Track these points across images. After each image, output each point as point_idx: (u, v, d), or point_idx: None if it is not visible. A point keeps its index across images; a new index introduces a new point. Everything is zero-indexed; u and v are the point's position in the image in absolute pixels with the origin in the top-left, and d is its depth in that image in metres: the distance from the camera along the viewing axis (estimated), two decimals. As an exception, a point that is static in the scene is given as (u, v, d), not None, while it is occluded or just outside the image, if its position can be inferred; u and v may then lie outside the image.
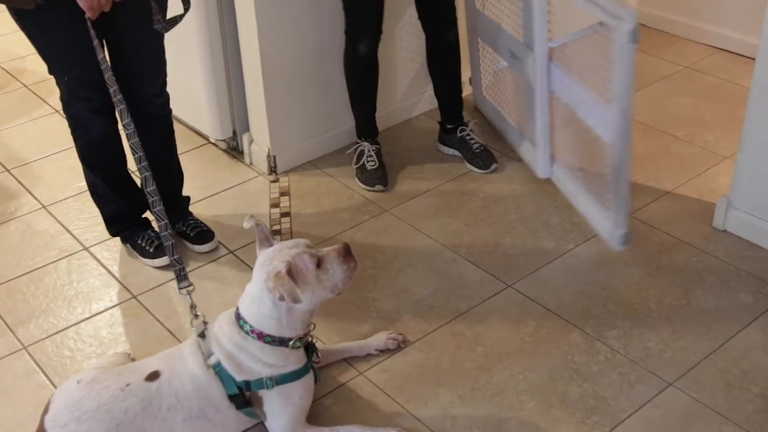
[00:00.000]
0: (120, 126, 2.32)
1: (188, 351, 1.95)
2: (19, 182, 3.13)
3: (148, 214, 2.72)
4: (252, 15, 2.81)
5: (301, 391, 1.96)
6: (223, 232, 2.78)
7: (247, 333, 1.92)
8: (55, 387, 2.17)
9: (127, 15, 2.27)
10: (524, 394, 2.13)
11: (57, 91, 2.40)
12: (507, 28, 2.89)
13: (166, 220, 2.11)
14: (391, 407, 2.11)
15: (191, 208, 2.81)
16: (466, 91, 3.50)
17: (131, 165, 2.48)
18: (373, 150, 3.04)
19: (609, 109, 2.35)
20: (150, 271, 2.64)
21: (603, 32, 2.29)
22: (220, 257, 2.69)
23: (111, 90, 2.14)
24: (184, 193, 2.78)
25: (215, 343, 1.94)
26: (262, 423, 1.99)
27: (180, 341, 2.29)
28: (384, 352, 2.28)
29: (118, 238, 2.74)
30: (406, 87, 3.35)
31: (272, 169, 3.10)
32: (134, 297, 2.54)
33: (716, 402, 2.08)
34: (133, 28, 2.32)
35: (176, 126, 2.69)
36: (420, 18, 2.95)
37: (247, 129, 3.17)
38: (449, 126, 3.14)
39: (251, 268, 2.01)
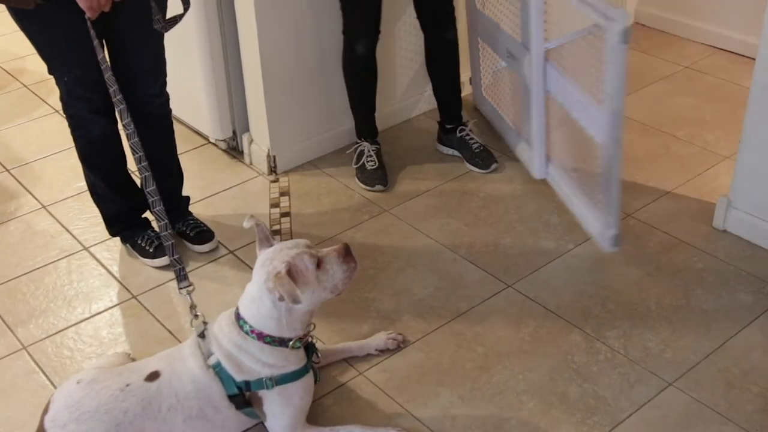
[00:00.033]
0: (120, 126, 2.32)
1: (188, 351, 1.95)
2: (19, 182, 3.13)
3: (148, 214, 2.72)
4: (252, 15, 2.81)
5: (301, 391, 1.96)
6: (223, 232, 2.78)
7: (246, 333, 1.92)
8: (55, 387, 2.17)
9: (127, 15, 2.27)
10: (524, 394, 2.13)
11: (57, 91, 2.40)
12: (505, 27, 2.89)
13: (166, 220, 2.11)
14: (391, 407, 2.11)
15: (191, 208, 2.81)
16: (466, 90, 3.50)
17: (131, 165, 2.48)
18: (373, 150, 3.04)
19: (601, 110, 2.35)
20: (150, 271, 2.64)
21: (597, 33, 2.29)
22: (220, 257, 2.69)
23: (111, 90, 2.14)
24: (184, 193, 2.78)
25: (215, 343, 1.94)
26: (262, 423, 1.99)
27: (180, 341, 2.29)
28: (384, 352, 2.28)
29: (118, 238, 2.74)
30: (405, 87, 3.35)
31: (272, 169, 3.10)
32: (134, 297, 2.54)
33: (716, 402, 2.08)
34: (133, 28, 2.32)
35: (176, 126, 2.69)
36: (418, 17, 2.95)
37: (247, 129, 3.17)
38: (448, 126, 3.14)
39: (251, 268, 2.01)
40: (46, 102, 3.70)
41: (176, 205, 2.73)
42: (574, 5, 2.34)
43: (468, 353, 2.27)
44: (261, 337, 1.91)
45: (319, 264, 1.89)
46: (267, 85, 2.94)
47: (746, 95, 2.52)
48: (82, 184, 2.72)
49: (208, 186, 3.06)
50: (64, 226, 2.87)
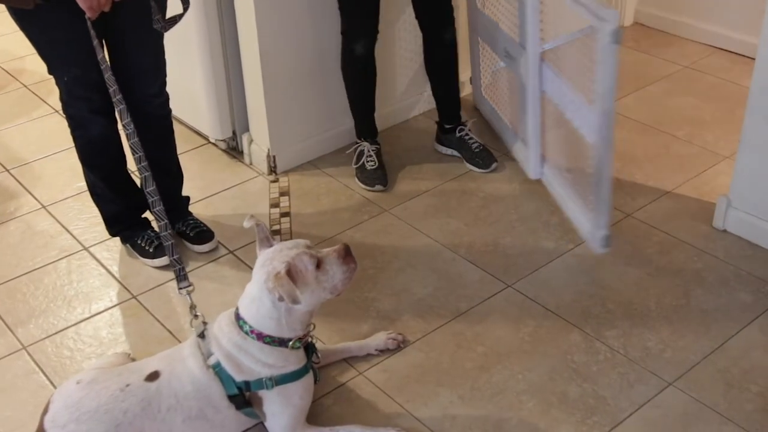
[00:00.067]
0: (120, 126, 2.32)
1: (188, 351, 1.95)
2: (19, 182, 3.13)
3: (147, 214, 2.72)
4: (252, 15, 2.81)
5: (300, 391, 1.96)
6: (223, 232, 2.78)
7: (246, 333, 1.92)
8: (55, 387, 2.17)
9: (126, 15, 2.27)
10: (524, 394, 2.13)
11: (56, 91, 2.40)
12: (504, 27, 2.89)
13: (166, 220, 2.11)
14: (390, 407, 2.11)
15: (191, 208, 2.81)
16: (467, 90, 3.51)
17: (131, 165, 2.48)
18: (372, 150, 3.04)
19: (593, 110, 2.35)
20: (150, 271, 2.64)
21: (591, 34, 2.30)
22: (219, 257, 2.69)
23: (111, 90, 2.14)
24: (184, 193, 2.78)
25: (215, 343, 1.94)
26: (262, 423, 1.99)
27: (180, 341, 2.29)
28: (384, 352, 2.28)
29: (117, 238, 2.74)
30: (405, 87, 3.35)
31: (272, 169, 3.10)
32: (134, 297, 2.54)
33: (716, 401, 2.08)
34: (133, 28, 2.32)
35: (176, 126, 2.69)
36: (417, 18, 2.94)
37: (246, 129, 3.17)
38: (447, 126, 3.13)
39: (251, 268, 2.01)
40: (45, 102, 3.70)
41: (176, 205, 2.73)
42: (568, 5, 2.34)
43: (468, 353, 2.27)
44: (261, 337, 1.91)
45: (318, 264, 1.89)
46: (267, 85, 2.94)
47: (746, 95, 2.52)
48: (82, 184, 2.72)
49: (207, 186, 3.06)
50: (63, 226, 2.87)
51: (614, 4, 4.08)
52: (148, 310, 2.48)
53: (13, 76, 3.96)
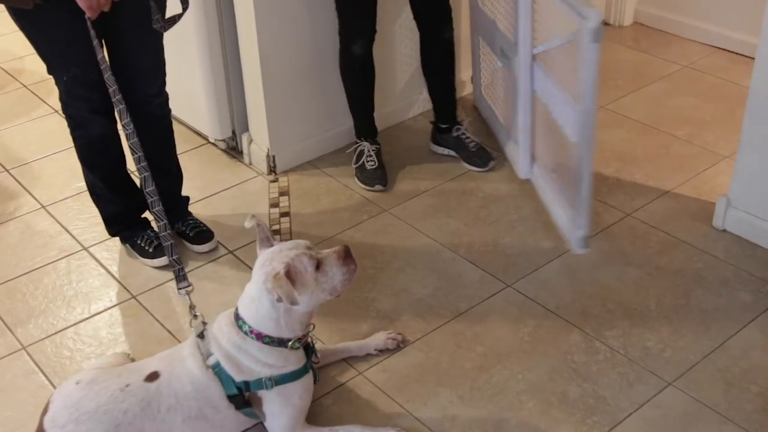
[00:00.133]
0: (119, 126, 2.31)
1: (187, 351, 1.95)
2: (19, 182, 3.13)
3: (147, 214, 2.72)
4: (251, 15, 2.81)
5: (300, 391, 1.96)
6: (223, 232, 2.78)
7: (246, 333, 1.92)
8: (55, 387, 2.17)
9: (126, 15, 2.27)
10: (524, 394, 2.13)
11: (56, 91, 2.40)
12: (501, 26, 2.89)
13: (166, 220, 2.11)
14: (390, 407, 2.11)
15: (190, 208, 2.81)
16: (468, 89, 3.51)
17: (130, 165, 2.48)
18: (372, 150, 3.04)
19: (575, 109, 2.35)
20: (149, 271, 2.64)
21: (578, 34, 2.30)
22: (219, 257, 2.69)
23: (110, 90, 2.14)
24: (184, 193, 2.78)
25: (214, 343, 1.93)
26: (262, 423, 1.99)
27: (179, 341, 2.29)
28: (383, 351, 2.27)
29: (117, 238, 2.74)
30: (404, 87, 3.35)
31: (271, 169, 3.10)
32: (133, 297, 2.54)
33: (716, 401, 2.08)
34: (133, 28, 2.32)
35: (175, 126, 2.69)
36: (415, 18, 2.93)
37: (246, 129, 3.17)
38: (443, 126, 3.13)
39: (250, 268, 2.01)
40: (45, 102, 3.70)
41: (175, 205, 2.73)
42: (556, 4, 2.34)
43: (467, 353, 2.27)
44: (260, 337, 1.91)
45: (318, 266, 1.89)
46: (266, 85, 2.94)
47: (746, 95, 2.52)
48: (82, 184, 2.72)
49: (207, 186, 3.05)
50: (63, 226, 2.87)
51: (614, 4, 4.08)
52: (147, 310, 2.48)
53: (12, 76, 3.96)
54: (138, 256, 2.67)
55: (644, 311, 2.38)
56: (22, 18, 2.20)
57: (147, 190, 2.13)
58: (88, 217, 2.88)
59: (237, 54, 3.01)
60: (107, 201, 2.63)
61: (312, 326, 2.01)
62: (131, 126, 2.13)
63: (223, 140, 3.24)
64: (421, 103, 3.42)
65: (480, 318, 2.38)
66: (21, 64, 4.04)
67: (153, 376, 1.91)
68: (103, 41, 2.29)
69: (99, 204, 2.65)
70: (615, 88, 3.55)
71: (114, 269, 2.66)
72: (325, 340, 2.31)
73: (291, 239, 2.68)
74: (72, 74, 2.31)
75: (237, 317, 1.94)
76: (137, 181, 2.64)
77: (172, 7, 2.31)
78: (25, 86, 3.86)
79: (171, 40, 2.44)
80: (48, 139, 3.39)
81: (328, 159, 3.17)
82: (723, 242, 2.64)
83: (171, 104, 2.58)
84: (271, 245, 1.95)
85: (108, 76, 2.14)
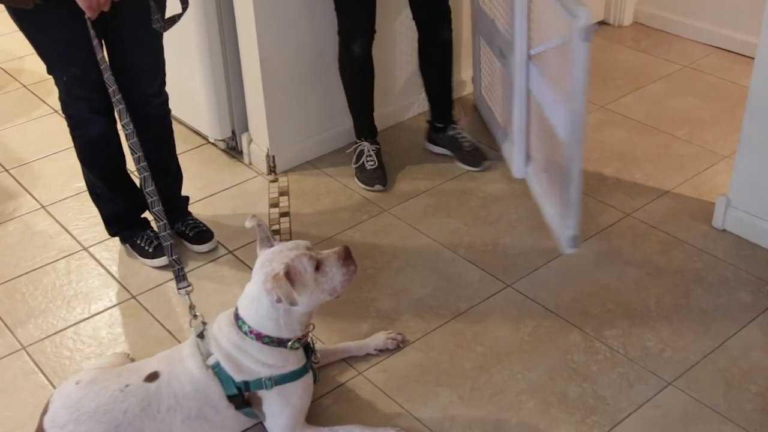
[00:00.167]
0: (119, 126, 2.31)
1: (187, 351, 1.95)
2: (18, 182, 3.13)
3: (147, 214, 2.72)
4: (251, 15, 2.81)
5: (300, 391, 1.96)
6: (222, 232, 2.78)
7: (245, 333, 1.92)
8: (54, 387, 2.17)
9: (126, 15, 2.27)
10: (523, 394, 2.13)
11: (56, 91, 2.40)
12: (500, 26, 2.89)
13: (165, 220, 2.11)
14: (390, 407, 2.11)
15: (190, 208, 2.81)
16: (468, 89, 3.51)
17: (130, 165, 2.48)
18: (372, 150, 3.04)
19: (567, 108, 2.35)
20: (149, 271, 2.64)
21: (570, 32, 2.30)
22: (219, 257, 2.69)
23: (110, 90, 2.14)
24: (183, 193, 2.78)
25: (214, 343, 1.93)
26: (261, 423, 1.99)
27: (179, 341, 2.29)
28: (383, 351, 2.27)
29: (117, 238, 2.74)
30: (404, 86, 3.35)
31: (271, 169, 3.10)
32: (133, 297, 2.54)
33: (715, 401, 2.08)
34: (132, 28, 2.32)
35: (175, 126, 2.69)
36: (414, 18, 2.94)
37: (246, 129, 3.17)
38: (439, 125, 3.13)
39: (250, 268, 2.01)
40: (45, 102, 3.70)
41: (175, 205, 2.73)
42: (551, 3, 2.34)
43: (467, 353, 2.27)
44: (260, 337, 1.91)
45: (318, 266, 1.89)
46: (266, 85, 2.94)
47: (745, 95, 2.52)
48: (81, 184, 2.72)
49: (207, 186, 3.05)
50: (63, 227, 2.87)
51: (614, 4, 4.08)
52: (147, 310, 2.48)
53: (12, 76, 3.96)
54: (138, 256, 2.67)
55: (644, 311, 2.38)
56: (22, 18, 2.20)
57: (147, 190, 2.13)
58: (88, 217, 2.88)
59: (237, 54, 3.01)
60: (107, 201, 2.63)
61: (312, 326, 2.01)
62: (131, 126, 2.13)
63: (223, 140, 3.24)
64: (420, 103, 3.42)
65: (480, 318, 2.38)
66: (21, 64, 4.04)
67: (153, 376, 1.91)
68: (103, 41, 2.29)
69: (99, 204, 2.65)
70: (615, 88, 3.55)
71: (114, 269, 2.66)
72: (325, 340, 2.31)
73: (291, 239, 2.69)
74: (72, 74, 2.31)
75: (237, 317, 1.94)
76: (137, 181, 2.64)
77: (172, 7, 2.31)
78: (24, 86, 3.86)
79: (171, 40, 2.44)
80: (48, 139, 3.39)
81: (327, 159, 3.17)
82: (723, 242, 2.64)
83: (171, 104, 2.58)
84: (272, 245, 1.95)
85: (108, 76, 2.14)
